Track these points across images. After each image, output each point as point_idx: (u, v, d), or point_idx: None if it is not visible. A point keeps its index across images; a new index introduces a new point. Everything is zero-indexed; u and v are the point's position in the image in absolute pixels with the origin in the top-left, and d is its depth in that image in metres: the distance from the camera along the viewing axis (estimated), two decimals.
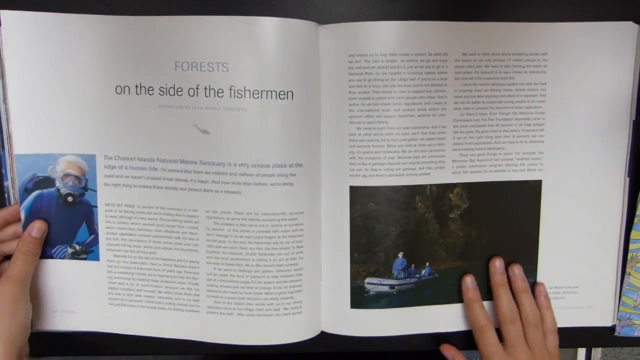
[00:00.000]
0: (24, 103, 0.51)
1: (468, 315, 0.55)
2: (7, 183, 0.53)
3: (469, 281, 0.55)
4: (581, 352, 1.09)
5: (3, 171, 0.53)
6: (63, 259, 0.54)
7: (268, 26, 0.48)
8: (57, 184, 0.52)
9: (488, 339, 0.53)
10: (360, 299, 0.54)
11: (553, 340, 0.54)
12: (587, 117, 0.53)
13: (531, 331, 0.53)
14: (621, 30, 0.52)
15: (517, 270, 0.55)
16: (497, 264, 0.54)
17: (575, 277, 0.56)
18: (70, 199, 0.53)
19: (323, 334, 0.55)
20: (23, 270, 0.50)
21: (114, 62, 0.50)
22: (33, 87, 0.50)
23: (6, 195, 0.53)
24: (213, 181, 0.51)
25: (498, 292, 0.54)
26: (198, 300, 0.54)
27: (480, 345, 0.53)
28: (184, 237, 0.52)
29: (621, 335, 0.55)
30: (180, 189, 0.51)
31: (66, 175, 0.52)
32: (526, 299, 0.54)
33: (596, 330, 0.57)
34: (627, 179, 0.54)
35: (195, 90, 0.50)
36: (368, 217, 0.52)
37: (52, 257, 0.54)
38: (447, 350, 0.56)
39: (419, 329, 0.56)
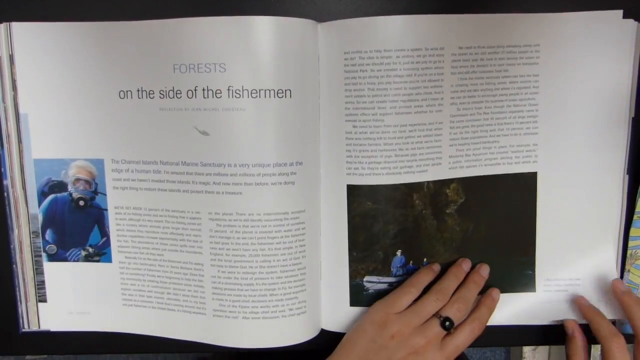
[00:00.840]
0: (38, 109, 0.52)
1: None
2: (7, 182, 0.54)
3: (570, 325, 0.53)
4: None
5: (2, 170, 0.54)
6: (77, 261, 0.55)
7: (265, 25, 0.48)
8: (69, 188, 0.54)
9: None
10: (359, 297, 0.54)
11: None
12: (582, 110, 0.51)
13: None
14: (615, 19, 0.50)
15: (619, 285, 0.52)
16: (584, 303, 0.53)
17: (574, 269, 0.54)
18: (81, 203, 0.54)
19: (322, 332, 0.55)
20: None
21: (116, 67, 0.50)
22: (45, 94, 0.52)
23: (5, 194, 0.54)
24: (214, 182, 0.50)
25: (594, 319, 0.51)
26: (204, 303, 0.53)
27: None
28: (188, 240, 0.53)
29: (622, 332, 0.52)
30: (183, 191, 0.51)
31: (77, 179, 0.53)
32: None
33: None
34: (627, 177, 0.52)
35: (194, 91, 0.49)
36: (366, 216, 0.52)
37: (66, 260, 0.55)
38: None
39: None
